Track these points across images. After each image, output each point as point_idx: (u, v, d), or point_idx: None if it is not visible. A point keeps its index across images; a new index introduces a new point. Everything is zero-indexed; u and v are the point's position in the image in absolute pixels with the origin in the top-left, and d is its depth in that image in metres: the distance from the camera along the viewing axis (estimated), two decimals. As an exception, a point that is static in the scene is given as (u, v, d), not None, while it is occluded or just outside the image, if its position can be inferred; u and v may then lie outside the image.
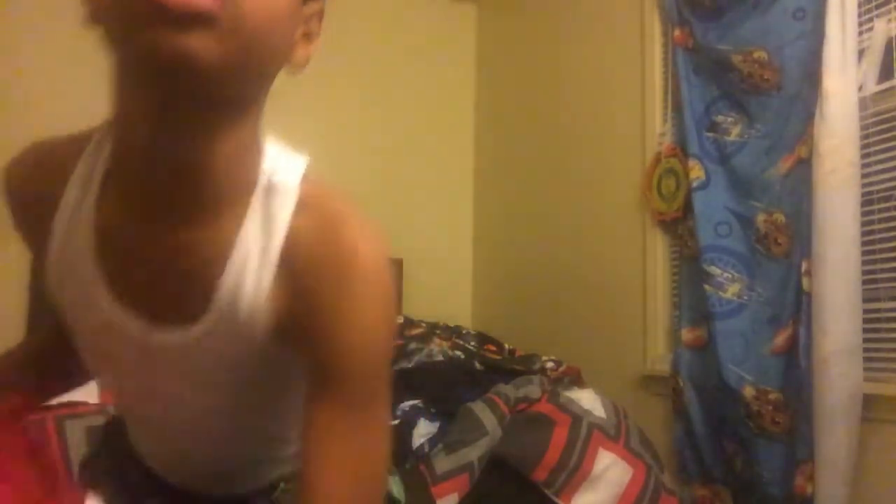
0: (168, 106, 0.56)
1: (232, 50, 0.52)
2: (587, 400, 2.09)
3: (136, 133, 0.59)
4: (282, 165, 0.66)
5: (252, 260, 0.64)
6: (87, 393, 2.02)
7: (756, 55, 2.09)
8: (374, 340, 0.65)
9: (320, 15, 0.65)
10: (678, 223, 2.37)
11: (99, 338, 0.72)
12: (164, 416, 0.77)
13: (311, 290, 0.63)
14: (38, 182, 0.70)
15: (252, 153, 0.65)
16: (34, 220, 0.71)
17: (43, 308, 0.89)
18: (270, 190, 0.65)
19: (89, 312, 0.70)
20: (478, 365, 2.33)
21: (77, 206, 0.68)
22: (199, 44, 0.50)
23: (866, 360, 1.77)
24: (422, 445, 1.78)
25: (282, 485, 0.85)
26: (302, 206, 0.65)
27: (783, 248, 2.00)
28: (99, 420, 1.78)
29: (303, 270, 0.63)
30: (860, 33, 1.85)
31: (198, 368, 0.70)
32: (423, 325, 2.62)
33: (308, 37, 0.64)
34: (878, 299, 1.82)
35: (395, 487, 0.93)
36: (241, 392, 0.73)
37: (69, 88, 2.75)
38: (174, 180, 0.60)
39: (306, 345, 0.64)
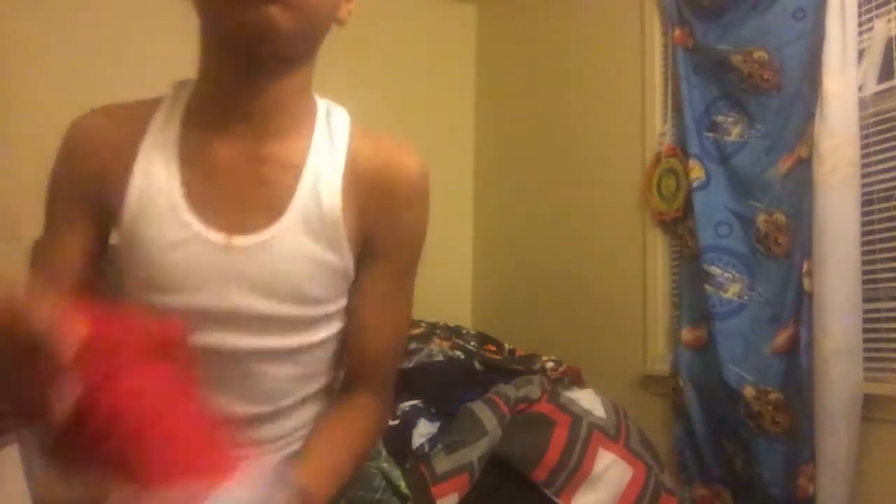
0: (254, 58, 0.76)
1: (300, 20, 0.73)
2: (587, 400, 2.09)
3: (226, 77, 0.78)
4: (331, 103, 0.88)
5: (324, 164, 0.82)
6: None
7: (756, 55, 2.09)
8: (419, 232, 0.89)
9: None
10: (678, 223, 2.37)
11: (175, 258, 0.79)
12: (221, 341, 0.81)
13: (372, 195, 0.83)
14: (112, 131, 0.83)
15: (310, 89, 0.85)
16: (100, 167, 0.82)
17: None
18: (329, 114, 0.86)
19: (171, 233, 0.80)
20: (478, 365, 2.33)
21: (161, 144, 0.82)
22: (278, 16, 0.70)
23: (866, 360, 1.77)
24: (422, 445, 1.77)
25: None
26: (354, 131, 0.86)
27: (783, 248, 2.00)
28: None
29: (364, 179, 0.83)
30: (860, 33, 1.85)
31: (270, 270, 0.79)
32: (423, 324, 2.61)
33: None
34: (878, 299, 1.82)
35: (403, 482, 0.98)
36: (302, 302, 0.82)
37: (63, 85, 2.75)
38: (259, 107, 0.79)
39: (369, 237, 0.84)
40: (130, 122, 0.83)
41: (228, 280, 0.79)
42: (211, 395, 0.80)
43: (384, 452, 1.00)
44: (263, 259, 0.79)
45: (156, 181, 0.80)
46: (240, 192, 0.80)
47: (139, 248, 0.80)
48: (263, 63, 0.77)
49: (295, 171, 0.81)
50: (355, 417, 0.88)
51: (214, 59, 0.80)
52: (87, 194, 0.83)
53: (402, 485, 0.97)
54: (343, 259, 0.83)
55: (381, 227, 0.84)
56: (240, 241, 0.79)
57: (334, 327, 0.87)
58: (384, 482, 0.95)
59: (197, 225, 0.79)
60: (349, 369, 0.91)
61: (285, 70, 0.79)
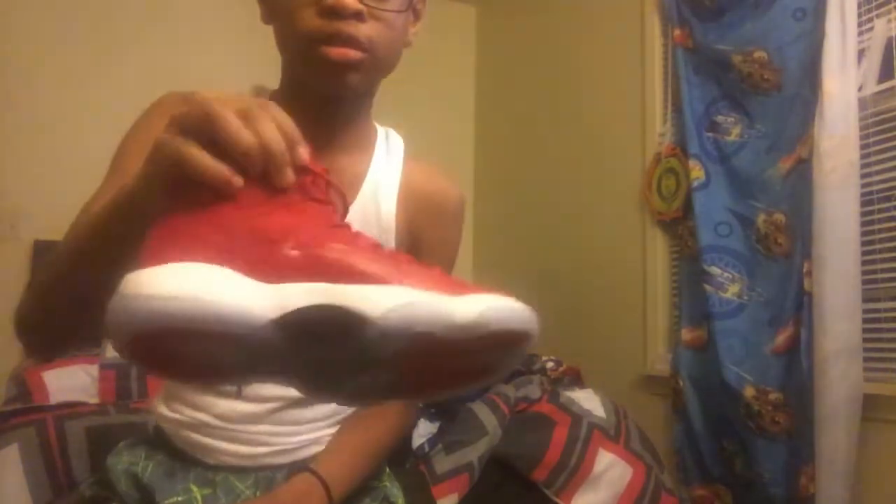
0: (333, 100, 0.89)
1: (371, 77, 0.86)
2: (587, 400, 2.08)
3: (308, 104, 0.87)
4: (390, 130, 1.00)
5: (383, 177, 0.94)
6: (87, 393, 2.02)
7: (756, 55, 2.09)
8: (455, 243, 1.02)
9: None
10: (678, 223, 2.38)
11: None
12: None
13: (422, 211, 0.95)
14: None
15: (371, 115, 0.97)
16: None
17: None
18: (388, 137, 0.98)
19: None
20: (478, 365, 2.33)
21: None
22: (353, 78, 0.82)
23: (866, 360, 1.77)
24: (422, 445, 1.77)
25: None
26: (407, 155, 0.98)
27: (783, 248, 2.00)
28: (99, 420, 1.78)
29: (416, 198, 0.95)
30: (860, 33, 1.85)
31: None
32: (423, 325, 2.61)
33: (416, 14, 0.95)
34: (878, 299, 1.82)
35: (395, 491, 0.99)
36: None
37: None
38: (332, 126, 0.91)
39: (414, 245, 0.95)
40: None
41: None
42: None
43: (387, 470, 1.02)
44: None
45: None
46: None
47: None
48: (341, 102, 0.89)
49: (357, 180, 0.92)
50: (379, 415, 0.95)
51: (298, 89, 0.88)
52: None
53: (400, 502, 1.00)
54: None
55: (427, 237, 0.96)
56: None
57: None
58: (383, 494, 0.98)
59: None
60: None
61: (356, 101, 0.91)
